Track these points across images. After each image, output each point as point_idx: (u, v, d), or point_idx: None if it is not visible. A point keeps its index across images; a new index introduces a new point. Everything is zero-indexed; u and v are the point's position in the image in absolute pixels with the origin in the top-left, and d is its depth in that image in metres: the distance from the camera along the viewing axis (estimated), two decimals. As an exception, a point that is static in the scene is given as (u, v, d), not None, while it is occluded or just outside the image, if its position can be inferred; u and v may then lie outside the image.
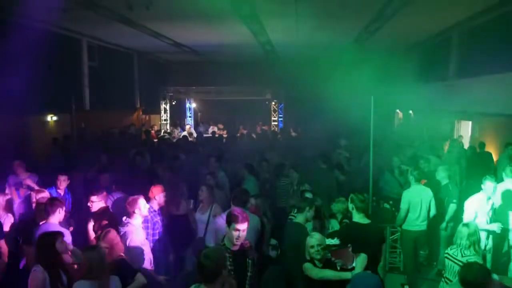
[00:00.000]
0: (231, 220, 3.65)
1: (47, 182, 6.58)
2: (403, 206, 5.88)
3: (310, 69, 18.64)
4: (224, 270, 3.09)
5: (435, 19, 11.33)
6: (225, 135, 15.13)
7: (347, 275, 3.79)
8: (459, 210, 5.88)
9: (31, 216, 5.04)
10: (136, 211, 4.64)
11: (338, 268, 3.91)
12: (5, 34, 10.23)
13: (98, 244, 3.81)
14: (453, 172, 7.39)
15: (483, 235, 5.16)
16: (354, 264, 3.98)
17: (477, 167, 8.35)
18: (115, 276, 3.53)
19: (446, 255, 4.25)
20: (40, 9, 9.38)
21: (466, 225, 4.22)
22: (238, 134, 14.65)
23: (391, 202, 6.83)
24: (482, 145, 9.46)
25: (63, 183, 6.25)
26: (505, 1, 9.29)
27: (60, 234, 3.75)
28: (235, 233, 3.61)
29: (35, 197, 5.29)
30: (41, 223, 4.54)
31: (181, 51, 16.94)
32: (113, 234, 3.94)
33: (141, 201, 4.70)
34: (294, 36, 13.59)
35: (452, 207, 6.14)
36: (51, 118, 12.20)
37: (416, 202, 5.88)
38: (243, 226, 3.62)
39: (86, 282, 3.29)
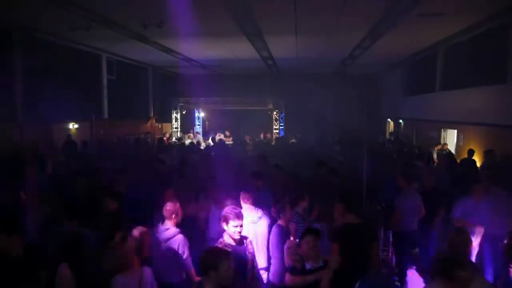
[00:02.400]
0: (228, 219, 3.66)
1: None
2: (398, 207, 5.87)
3: (308, 81, 18.78)
4: None
5: (422, 36, 11.41)
6: (228, 142, 15.16)
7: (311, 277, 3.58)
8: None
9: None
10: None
11: (307, 269, 3.66)
12: (33, 51, 10.40)
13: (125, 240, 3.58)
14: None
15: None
16: (321, 264, 3.70)
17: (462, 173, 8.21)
18: (147, 268, 3.42)
19: None
20: (65, 28, 9.54)
21: None
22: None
23: (383, 204, 6.83)
24: (471, 152, 9.07)
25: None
26: (485, 20, 9.38)
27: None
28: (234, 229, 3.64)
29: None
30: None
31: (191, 65, 17.10)
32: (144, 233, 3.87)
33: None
34: (294, 51, 13.68)
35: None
36: (72, 125, 12.33)
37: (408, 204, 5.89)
38: (239, 222, 3.65)
39: (122, 277, 3.18)
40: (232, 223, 3.63)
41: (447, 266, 3.06)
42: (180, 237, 4.12)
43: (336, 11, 8.54)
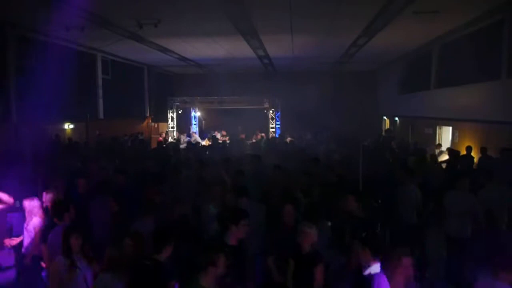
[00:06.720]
0: (239, 217, 3.59)
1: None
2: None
3: (304, 80, 18.78)
4: None
5: (417, 34, 11.44)
6: (227, 141, 15.13)
7: None
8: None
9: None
10: None
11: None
12: (28, 51, 10.33)
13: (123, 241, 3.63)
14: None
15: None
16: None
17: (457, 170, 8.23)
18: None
19: None
20: (60, 28, 9.48)
21: None
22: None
23: (379, 201, 6.85)
24: (469, 149, 9.06)
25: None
26: (479, 18, 9.42)
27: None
28: (245, 228, 3.58)
29: None
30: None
31: (187, 65, 17.06)
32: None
33: None
34: (290, 50, 13.68)
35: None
36: (68, 126, 12.26)
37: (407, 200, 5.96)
38: (248, 221, 3.61)
39: (107, 275, 3.28)
40: (242, 222, 3.58)
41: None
42: None
43: (331, 9, 8.55)
